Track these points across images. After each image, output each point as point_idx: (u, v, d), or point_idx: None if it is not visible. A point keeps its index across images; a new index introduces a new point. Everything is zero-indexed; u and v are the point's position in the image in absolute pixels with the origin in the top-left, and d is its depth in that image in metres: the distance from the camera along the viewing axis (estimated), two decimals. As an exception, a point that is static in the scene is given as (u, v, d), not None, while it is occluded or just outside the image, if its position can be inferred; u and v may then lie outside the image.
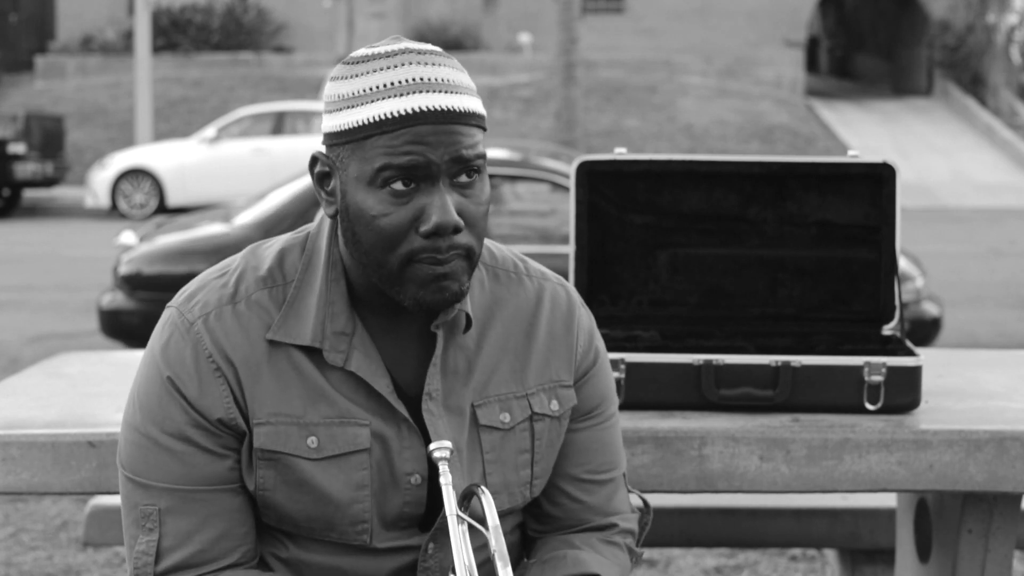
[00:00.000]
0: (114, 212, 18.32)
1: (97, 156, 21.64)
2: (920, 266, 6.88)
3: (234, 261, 1.68)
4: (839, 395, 2.21)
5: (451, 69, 1.56)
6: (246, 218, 6.88)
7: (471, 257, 1.57)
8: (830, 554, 3.73)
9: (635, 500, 1.86)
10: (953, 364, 2.64)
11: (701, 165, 2.43)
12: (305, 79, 25.86)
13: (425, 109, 1.52)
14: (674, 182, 2.43)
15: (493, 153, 6.57)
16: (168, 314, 1.64)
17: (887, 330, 2.43)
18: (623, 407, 2.18)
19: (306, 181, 6.69)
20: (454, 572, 1.53)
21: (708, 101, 25.55)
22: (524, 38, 28.64)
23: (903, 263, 6.36)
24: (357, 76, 1.56)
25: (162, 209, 17.88)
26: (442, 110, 1.53)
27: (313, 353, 1.61)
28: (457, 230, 1.54)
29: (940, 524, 2.49)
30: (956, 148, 25.47)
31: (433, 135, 1.52)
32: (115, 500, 2.92)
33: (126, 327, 6.58)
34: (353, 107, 1.54)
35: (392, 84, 1.53)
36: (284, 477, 1.61)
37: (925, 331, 6.60)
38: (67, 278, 11.67)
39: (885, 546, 3.04)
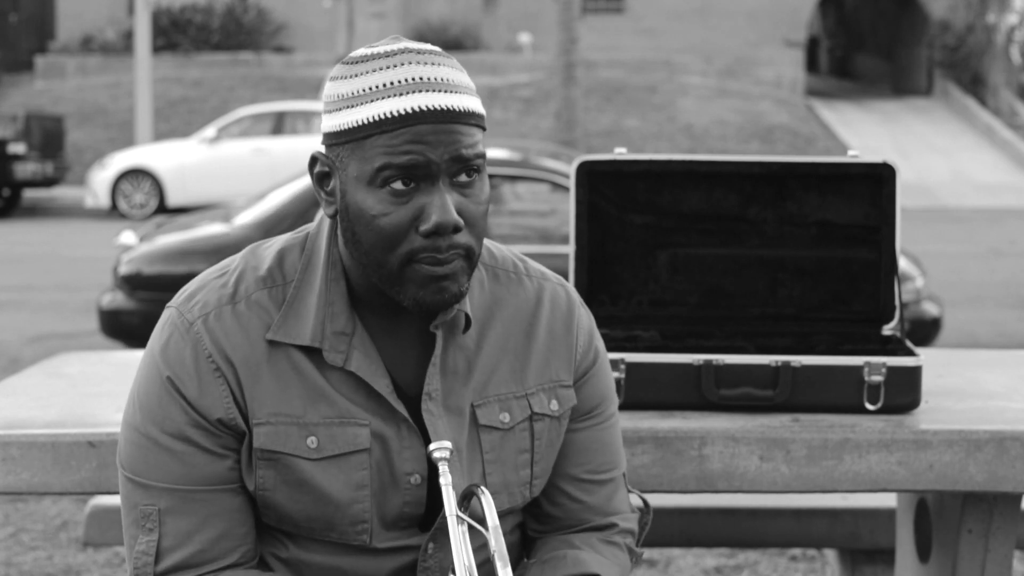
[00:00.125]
0: (114, 212, 18.32)
1: (97, 156, 21.64)
2: (920, 266, 6.88)
3: (234, 261, 1.68)
4: (839, 395, 2.21)
5: (450, 69, 1.56)
6: (246, 218, 6.88)
7: (471, 257, 1.57)
8: (830, 554, 3.73)
9: (635, 500, 1.86)
10: (953, 364, 2.64)
11: (701, 165, 2.42)
12: (305, 79, 25.86)
13: (425, 108, 1.52)
14: (674, 182, 2.43)
15: (493, 153, 6.57)
16: (168, 314, 1.64)
17: (887, 330, 2.43)
18: (623, 407, 2.17)
19: (306, 181, 6.69)
20: (454, 572, 1.53)
21: (708, 101, 25.55)
22: (524, 38, 28.64)
23: (903, 263, 6.36)
24: (356, 76, 1.56)
25: (162, 209, 17.89)
26: (442, 109, 1.53)
27: (313, 353, 1.61)
28: (457, 229, 1.54)
29: (940, 524, 2.49)
30: (956, 148, 25.48)
31: (433, 134, 1.52)
32: (115, 500, 2.92)
33: (126, 327, 6.58)
34: (353, 107, 1.54)
35: (392, 84, 1.53)
36: (284, 477, 1.61)
37: (925, 331, 6.60)
38: (67, 278, 11.67)
39: (885, 546, 3.04)
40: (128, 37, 26.92)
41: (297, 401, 1.61)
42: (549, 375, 1.71)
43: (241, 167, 17.96)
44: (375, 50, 1.57)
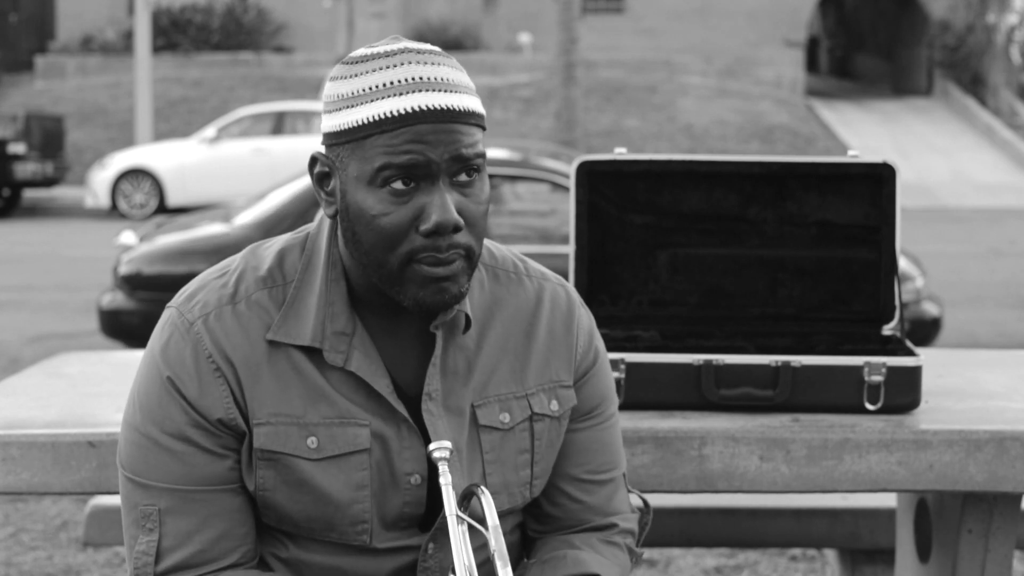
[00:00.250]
0: (114, 212, 18.32)
1: (97, 156, 21.64)
2: (920, 266, 6.88)
3: (234, 261, 1.68)
4: (839, 395, 2.21)
5: (450, 68, 1.56)
6: (246, 218, 6.88)
7: (471, 257, 1.57)
8: (830, 554, 3.73)
9: (635, 500, 1.86)
10: (953, 364, 2.64)
11: (701, 165, 2.42)
12: (305, 79, 25.86)
13: (424, 108, 1.52)
14: (674, 182, 2.43)
15: (493, 153, 6.57)
16: (168, 314, 1.64)
17: (887, 330, 2.43)
18: (623, 407, 2.17)
19: (306, 181, 6.69)
20: (454, 572, 1.53)
21: (708, 101, 25.55)
22: (524, 38, 28.64)
23: (903, 263, 6.36)
24: (356, 76, 1.56)
25: (162, 209, 17.88)
26: (441, 109, 1.53)
27: (313, 353, 1.61)
28: (457, 229, 1.54)
29: (940, 524, 2.49)
30: (956, 148, 25.48)
31: (433, 134, 1.52)
32: (115, 500, 2.92)
33: (126, 327, 6.58)
34: (352, 107, 1.55)
35: (391, 83, 1.53)
36: (284, 477, 1.61)
37: (925, 331, 6.60)
38: (67, 278, 11.67)
39: (885, 546, 3.04)
40: (128, 37, 26.92)
41: (297, 401, 1.61)
42: (549, 375, 1.71)
43: (241, 167, 17.96)
44: (375, 50, 1.57)
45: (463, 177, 1.55)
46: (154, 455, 1.60)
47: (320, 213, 1.66)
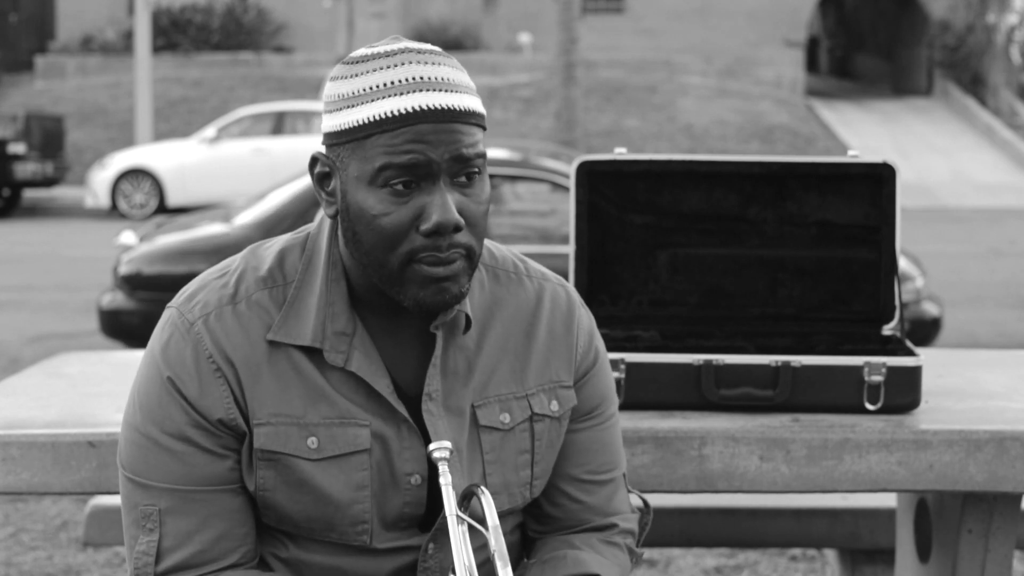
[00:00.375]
0: (114, 212, 18.32)
1: (97, 156, 21.64)
2: (920, 266, 6.88)
3: (234, 261, 1.68)
4: (839, 395, 2.21)
5: (450, 68, 1.56)
6: (246, 218, 6.88)
7: (471, 257, 1.57)
8: (830, 554, 3.73)
9: (635, 500, 1.86)
10: (953, 364, 2.64)
11: (701, 165, 2.42)
12: (305, 79, 25.86)
13: (425, 108, 1.52)
14: (674, 182, 2.43)
15: (493, 153, 6.57)
16: (168, 314, 1.64)
17: (887, 330, 2.43)
18: (623, 407, 2.17)
19: (306, 181, 6.69)
20: (454, 572, 1.53)
21: (708, 101, 25.55)
22: (524, 38, 28.64)
23: (903, 263, 6.36)
24: (357, 76, 1.56)
25: (162, 209, 17.88)
26: (442, 109, 1.53)
27: (313, 353, 1.61)
28: (458, 229, 1.54)
29: (940, 524, 2.49)
30: (956, 148, 25.48)
31: (433, 134, 1.52)
32: (115, 500, 2.92)
33: (126, 327, 6.58)
34: (353, 107, 1.55)
35: (392, 83, 1.53)
36: (284, 477, 1.61)
37: (925, 331, 6.60)
38: (67, 278, 11.67)
39: (885, 546, 3.04)
40: (128, 37, 26.92)
41: (297, 401, 1.61)
42: (549, 375, 1.71)
43: (241, 167, 17.96)
44: (375, 50, 1.57)
45: (463, 177, 1.55)
46: (154, 455, 1.60)
47: (320, 213, 1.66)
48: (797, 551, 4.16)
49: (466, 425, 1.66)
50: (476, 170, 1.56)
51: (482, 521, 1.54)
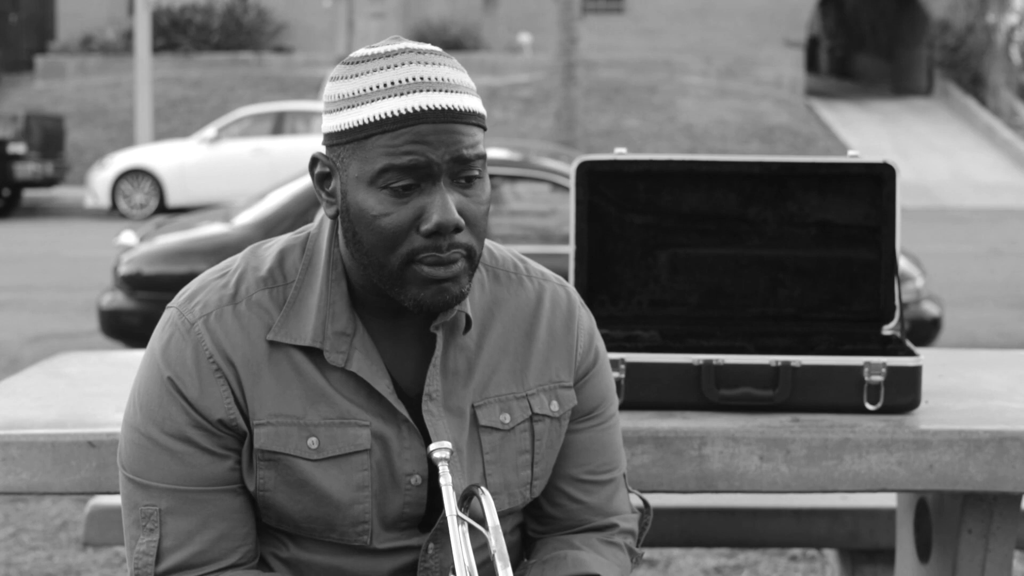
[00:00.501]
0: (114, 212, 18.32)
1: (97, 156, 21.64)
2: (920, 266, 6.88)
3: (234, 261, 1.68)
4: (839, 395, 2.21)
5: (451, 68, 1.56)
6: (246, 218, 6.88)
7: (472, 257, 1.57)
8: (830, 554, 3.73)
9: (635, 500, 1.86)
10: (953, 364, 2.64)
11: (701, 165, 2.43)
12: (305, 79, 25.86)
13: (425, 108, 1.52)
14: (674, 182, 2.43)
15: (493, 153, 6.57)
16: (168, 314, 1.64)
17: (887, 330, 2.43)
18: (623, 407, 2.18)
19: (306, 181, 6.69)
20: (454, 572, 1.53)
21: (708, 101, 25.55)
22: (524, 38, 28.63)
23: (903, 263, 6.36)
24: (357, 76, 1.56)
25: (162, 209, 17.88)
26: (442, 109, 1.53)
27: (313, 353, 1.61)
28: (458, 229, 1.54)
29: (940, 524, 2.49)
30: (956, 148, 25.48)
31: (434, 134, 1.52)
32: (115, 500, 2.92)
33: (126, 327, 6.58)
34: (353, 107, 1.55)
35: (392, 83, 1.53)
36: (284, 478, 1.61)
37: (925, 331, 6.60)
38: (67, 278, 11.67)
39: (885, 546, 3.04)
40: (128, 37, 26.92)
41: (298, 402, 1.61)
42: (549, 376, 1.71)
43: (241, 167, 17.96)
44: (375, 50, 1.57)
45: (464, 178, 1.55)
46: (155, 455, 1.60)
47: (320, 213, 1.66)
48: (797, 551, 4.16)
49: (466, 425, 1.66)
50: (476, 171, 1.56)
51: (482, 521, 1.54)
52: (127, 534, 1.63)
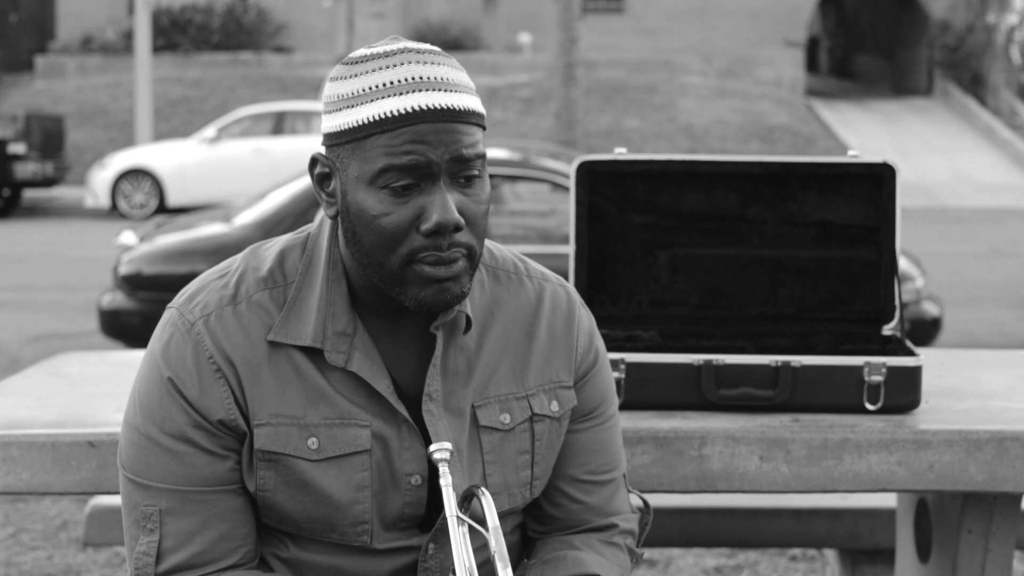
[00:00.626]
0: (114, 212, 18.32)
1: (97, 156, 21.64)
2: (920, 266, 6.88)
3: (235, 262, 1.68)
4: (839, 395, 2.21)
5: (450, 68, 1.56)
6: (246, 218, 6.88)
7: (472, 256, 1.57)
8: (830, 554, 3.73)
9: (635, 500, 1.86)
10: (953, 364, 2.64)
11: (701, 165, 2.43)
12: (305, 79, 25.86)
13: (425, 108, 1.52)
14: (674, 182, 2.43)
15: (493, 153, 6.57)
16: (169, 315, 1.64)
17: (887, 330, 2.43)
18: (623, 407, 2.18)
19: (306, 181, 6.69)
20: (454, 573, 1.53)
21: (708, 101, 25.55)
22: (524, 38, 28.63)
23: (903, 263, 6.36)
24: (356, 76, 1.56)
25: (162, 209, 17.88)
26: (442, 109, 1.53)
27: (313, 354, 1.61)
28: (458, 228, 1.54)
29: (940, 524, 2.49)
30: (956, 148, 25.48)
31: (433, 134, 1.52)
32: (115, 500, 2.92)
33: (126, 327, 6.58)
34: (353, 107, 1.55)
35: (392, 83, 1.53)
36: (284, 478, 1.61)
37: (925, 331, 6.60)
38: (67, 278, 11.67)
39: (885, 546, 3.04)
40: (128, 37, 26.91)
41: (298, 402, 1.61)
42: (549, 376, 1.71)
43: (241, 167, 17.96)
44: (375, 50, 1.57)
45: (463, 177, 1.55)
46: (155, 456, 1.60)
47: (320, 213, 1.66)
48: (797, 551, 4.16)
49: (466, 425, 1.66)
50: (476, 170, 1.56)
51: (482, 522, 1.54)
52: (127, 534, 1.63)
